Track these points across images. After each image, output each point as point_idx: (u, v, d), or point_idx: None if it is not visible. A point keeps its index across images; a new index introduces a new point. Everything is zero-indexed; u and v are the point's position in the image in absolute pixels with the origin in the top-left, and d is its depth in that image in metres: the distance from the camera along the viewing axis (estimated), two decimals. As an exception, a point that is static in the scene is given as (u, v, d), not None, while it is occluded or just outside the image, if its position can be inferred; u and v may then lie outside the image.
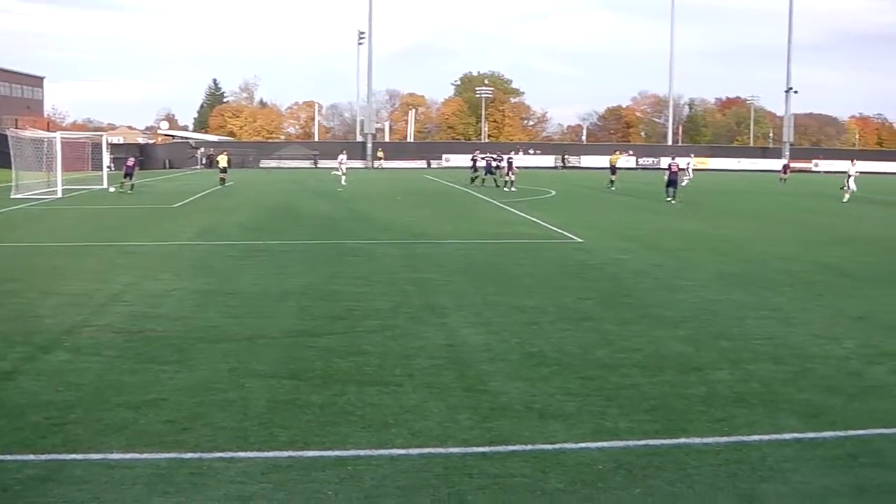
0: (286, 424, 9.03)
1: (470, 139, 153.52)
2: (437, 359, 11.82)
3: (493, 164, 58.65)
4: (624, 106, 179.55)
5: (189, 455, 8.13)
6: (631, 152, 78.67)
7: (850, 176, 49.59)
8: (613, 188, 55.98)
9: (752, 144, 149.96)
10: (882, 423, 9.46)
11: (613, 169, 59.26)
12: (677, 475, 7.87)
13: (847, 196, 47.66)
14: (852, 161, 52.60)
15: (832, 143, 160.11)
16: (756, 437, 8.91)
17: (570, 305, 15.91)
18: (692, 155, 78.18)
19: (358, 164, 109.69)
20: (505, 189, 53.35)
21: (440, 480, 7.64)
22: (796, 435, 9.02)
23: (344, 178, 61.20)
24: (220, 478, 7.64)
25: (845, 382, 11.08)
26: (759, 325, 14.42)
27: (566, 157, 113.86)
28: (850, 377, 11.34)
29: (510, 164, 56.49)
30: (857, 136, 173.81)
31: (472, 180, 60.11)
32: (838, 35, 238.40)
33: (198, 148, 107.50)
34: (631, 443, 8.67)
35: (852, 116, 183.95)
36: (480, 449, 8.42)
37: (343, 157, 65.65)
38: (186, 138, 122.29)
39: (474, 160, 62.50)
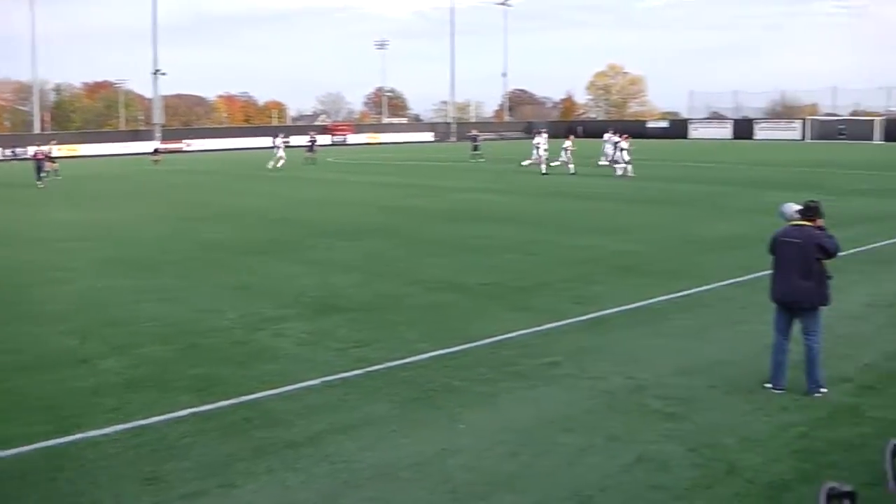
0: None
1: None
2: None
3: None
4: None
5: None
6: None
7: (623, 149, 44.11)
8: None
9: (123, 128, 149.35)
10: (270, 385, 10.00)
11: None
12: (77, 472, 7.72)
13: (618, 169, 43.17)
14: (620, 134, 45.97)
15: (202, 123, 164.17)
16: (153, 419, 8.99)
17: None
18: (613, 131, 57.96)
19: None
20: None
21: None
22: (191, 410, 9.23)
23: (282, 161, 53.68)
24: None
25: (233, 352, 11.52)
26: (145, 307, 14.46)
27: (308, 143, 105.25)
28: (236, 346, 11.81)
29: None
30: (225, 115, 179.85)
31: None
32: (202, 16, 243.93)
33: None
34: (23, 449, 8.29)
35: (219, 95, 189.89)
36: None
37: (279, 139, 58.38)
38: None
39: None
